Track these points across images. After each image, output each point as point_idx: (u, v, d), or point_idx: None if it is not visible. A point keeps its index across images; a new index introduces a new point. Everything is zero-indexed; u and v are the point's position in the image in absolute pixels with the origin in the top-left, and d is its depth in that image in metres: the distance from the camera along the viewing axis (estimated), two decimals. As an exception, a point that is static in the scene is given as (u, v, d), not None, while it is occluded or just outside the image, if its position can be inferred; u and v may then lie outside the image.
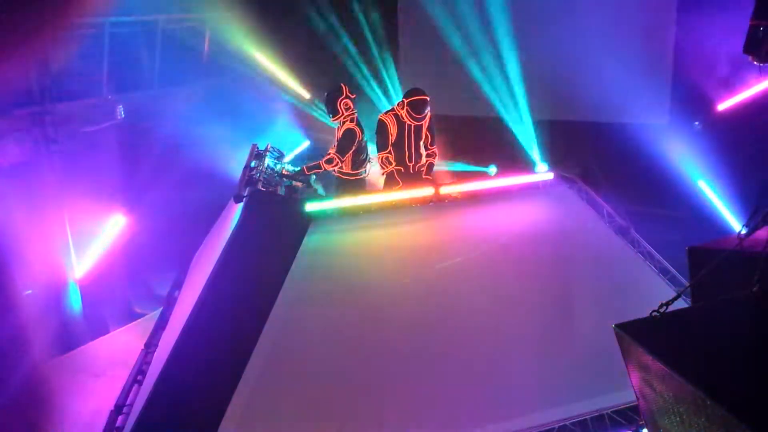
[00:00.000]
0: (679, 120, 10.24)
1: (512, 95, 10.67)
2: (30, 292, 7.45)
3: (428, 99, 7.56)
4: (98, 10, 8.21)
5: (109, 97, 9.19)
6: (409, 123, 7.55)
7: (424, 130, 7.68)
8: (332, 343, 5.95)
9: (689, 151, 9.51)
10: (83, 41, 8.22)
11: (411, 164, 7.70)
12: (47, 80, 8.03)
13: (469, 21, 10.88)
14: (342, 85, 7.75)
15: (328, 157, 7.67)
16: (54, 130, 8.15)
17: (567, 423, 5.70)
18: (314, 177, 7.71)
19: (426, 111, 7.55)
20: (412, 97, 7.56)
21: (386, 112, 7.72)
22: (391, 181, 7.75)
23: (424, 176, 7.73)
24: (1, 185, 7.10)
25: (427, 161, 7.80)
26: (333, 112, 7.72)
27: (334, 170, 7.76)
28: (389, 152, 7.64)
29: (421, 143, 7.72)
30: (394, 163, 7.66)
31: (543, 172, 7.77)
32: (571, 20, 10.63)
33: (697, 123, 10.27)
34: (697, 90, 10.09)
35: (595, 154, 10.20)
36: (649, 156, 9.48)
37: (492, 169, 8.57)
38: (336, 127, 7.86)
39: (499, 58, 10.71)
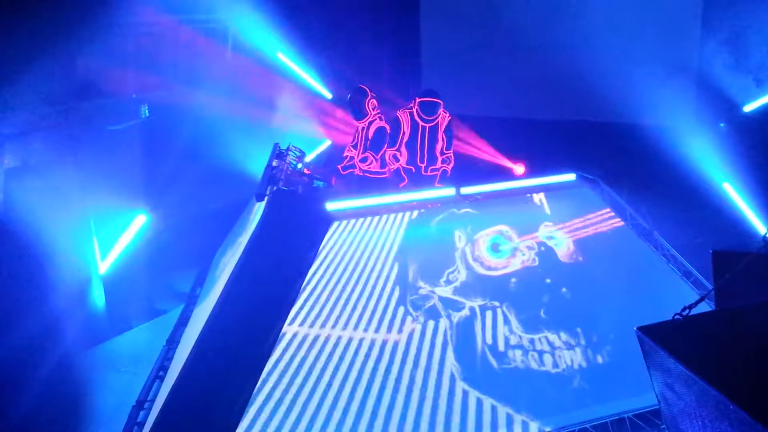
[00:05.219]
0: (704, 121, 10.11)
1: (536, 95, 10.61)
2: (55, 287, 7.53)
3: (440, 102, 7.56)
4: (124, 9, 8.29)
5: (134, 95, 9.27)
6: (422, 124, 7.57)
7: (439, 132, 7.68)
8: (352, 341, 5.98)
9: (714, 153, 9.38)
10: (109, 40, 8.30)
11: (422, 165, 7.71)
12: (73, 79, 8.11)
13: (494, 22, 10.84)
14: (363, 86, 7.80)
15: (363, 155, 7.73)
16: (79, 128, 8.24)
17: (587, 426, 5.66)
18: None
19: (436, 113, 7.55)
20: (423, 97, 7.59)
21: (403, 110, 7.77)
22: (396, 178, 7.78)
23: (436, 184, 7.73)
24: (28, 183, 7.20)
25: (441, 167, 7.79)
26: (362, 113, 7.75)
27: (358, 169, 7.81)
28: (398, 149, 7.67)
29: (437, 146, 7.71)
30: (401, 161, 7.69)
31: (565, 173, 7.73)
32: (596, 20, 10.54)
33: (722, 124, 10.13)
34: (723, 90, 9.96)
35: (618, 155, 10.11)
36: (673, 157, 9.37)
37: (519, 168, 8.54)
38: (360, 127, 7.89)
39: (523, 57, 10.65)
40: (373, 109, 7.73)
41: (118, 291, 8.33)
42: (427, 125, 7.58)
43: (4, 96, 6.84)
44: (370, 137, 7.79)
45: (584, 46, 10.38)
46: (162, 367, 6.49)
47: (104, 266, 8.47)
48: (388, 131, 7.75)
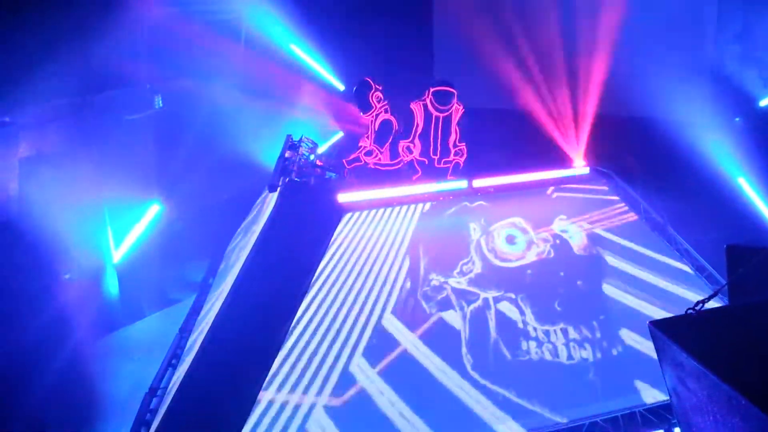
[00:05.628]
0: (720, 116, 10.02)
1: (550, 88, 10.55)
2: (69, 276, 7.61)
3: (454, 92, 7.56)
4: (139, 1, 8.32)
5: (148, 86, 9.31)
6: (436, 114, 7.57)
7: (453, 124, 7.67)
8: (364, 330, 6.00)
9: (729, 148, 9.30)
10: (124, 31, 8.33)
11: (436, 157, 7.70)
12: (88, 70, 8.15)
13: (508, 15, 10.79)
14: (367, 79, 7.81)
15: (368, 149, 7.73)
16: (94, 118, 8.28)
17: (598, 420, 5.65)
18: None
19: (451, 103, 7.56)
20: (437, 86, 7.60)
21: (417, 101, 7.76)
22: (410, 170, 7.78)
23: (448, 176, 7.71)
24: (44, 173, 7.26)
25: (453, 160, 7.78)
26: (366, 106, 7.77)
27: (370, 162, 7.81)
28: (412, 141, 7.67)
29: (450, 138, 7.70)
30: (414, 153, 7.69)
31: (579, 167, 7.70)
32: (612, 15, 10.47)
33: (738, 119, 10.04)
34: (739, 85, 9.86)
35: (633, 150, 10.06)
36: (687, 152, 9.30)
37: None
38: (370, 120, 7.90)
39: (538, 52, 10.60)
40: (378, 102, 7.73)
41: (131, 280, 8.39)
42: (441, 115, 7.57)
43: (20, 87, 6.90)
44: (375, 130, 7.81)
45: (600, 40, 10.30)
46: (174, 355, 6.55)
47: (118, 255, 8.54)
48: (395, 124, 7.74)
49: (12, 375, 5.84)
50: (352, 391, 5.67)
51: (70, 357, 6.39)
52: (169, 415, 5.37)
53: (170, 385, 5.97)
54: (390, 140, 7.73)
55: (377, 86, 7.80)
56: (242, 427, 5.28)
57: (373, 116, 7.80)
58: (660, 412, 5.65)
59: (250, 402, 5.36)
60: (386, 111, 7.79)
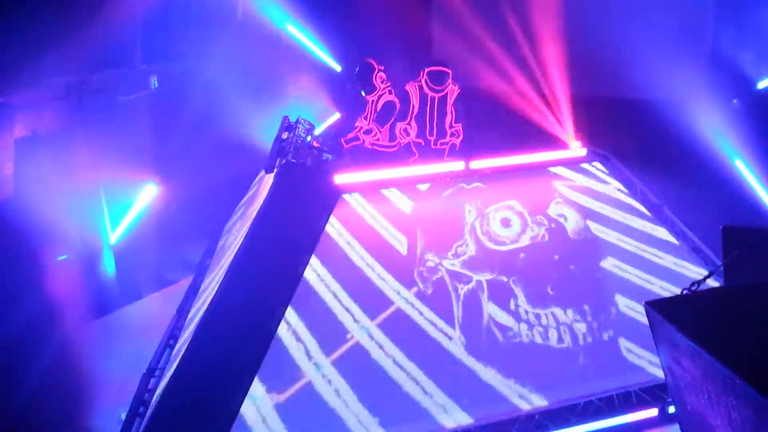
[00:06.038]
0: (718, 97, 9.99)
1: (548, 70, 10.50)
2: (65, 257, 7.60)
3: (449, 71, 7.53)
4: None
5: (144, 66, 9.25)
6: (432, 95, 7.53)
7: (448, 105, 7.64)
8: (360, 311, 6.02)
9: (727, 130, 9.29)
10: (119, 11, 8.26)
11: (432, 138, 7.67)
12: (83, 50, 8.09)
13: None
14: (370, 61, 7.77)
15: (367, 128, 7.70)
16: (90, 99, 8.24)
17: (593, 399, 5.70)
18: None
19: (446, 83, 7.52)
20: (431, 66, 7.57)
21: (412, 83, 7.73)
22: (406, 151, 7.75)
23: (445, 157, 7.69)
24: (39, 153, 7.24)
25: (450, 141, 7.76)
26: (371, 87, 7.72)
27: (367, 142, 7.79)
28: (408, 123, 7.64)
29: (446, 119, 7.67)
30: (411, 135, 7.67)
31: (576, 148, 7.68)
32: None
33: (735, 101, 10.02)
34: (737, 67, 9.83)
35: (630, 131, 10.04)
36: (685, 134, 9.28)
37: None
38: (371, 101, 7.87)
39: (536, 33, 10.53)
40: (382, 83, 7.70)
41: (128, 260, 8.39)
42: (437, 95, 7.53)
43: (15, 68, 6.86)
44: (377, 110, 7.77)
45: (598, 19, 10.24)
46: (172, 336, 6.57)
47: (114, 236, 8.53)
48: (398, 105, 7.70)
49: (9, 354, 5.86)
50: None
51: (68, 337, 6.40)
52: (167, 394, 5.40)
53: (168, 365, 5.99)
54: (392, 121, 7.70)
55: (380, 67, 7.77)
56: (239, 407, 5.31)
57: (375, 97, 7.76)
58: (655, 391, 5.71)
59: (248, 381, 5.39)
60: (390, 92, 7.76)
